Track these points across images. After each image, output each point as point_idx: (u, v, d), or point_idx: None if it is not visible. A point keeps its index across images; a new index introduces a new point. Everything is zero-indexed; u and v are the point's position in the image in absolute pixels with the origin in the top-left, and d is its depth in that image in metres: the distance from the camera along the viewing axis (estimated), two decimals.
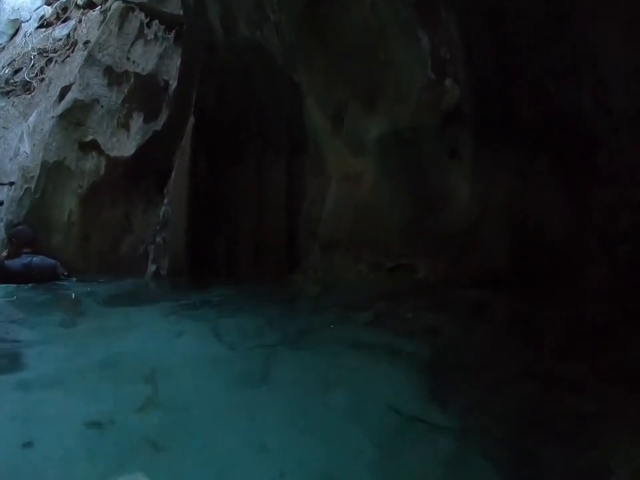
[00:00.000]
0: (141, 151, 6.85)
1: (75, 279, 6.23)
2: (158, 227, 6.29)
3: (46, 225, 6.81)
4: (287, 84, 5.77)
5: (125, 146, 6.90)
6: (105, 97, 7.14)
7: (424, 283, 4.82)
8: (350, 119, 5.32)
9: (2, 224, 7.34)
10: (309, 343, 3.02)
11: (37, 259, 5.74)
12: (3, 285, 5.39)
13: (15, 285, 5.44)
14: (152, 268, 6.19)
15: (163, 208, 6.27)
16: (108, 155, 6.88)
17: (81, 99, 7.07)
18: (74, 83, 7.36)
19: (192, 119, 6.37)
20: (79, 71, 7.34)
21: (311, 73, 5.56)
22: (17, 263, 5.65)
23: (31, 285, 5.53)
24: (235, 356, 2.93)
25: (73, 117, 7.00)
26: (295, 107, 5.81)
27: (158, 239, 6.23)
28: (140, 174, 6.85)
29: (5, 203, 7.37)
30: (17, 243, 5.79)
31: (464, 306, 3.88)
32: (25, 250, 5.76)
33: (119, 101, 7.11)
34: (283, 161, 6.14)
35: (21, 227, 6.30)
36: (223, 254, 6.20)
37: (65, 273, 5.93)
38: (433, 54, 4.69)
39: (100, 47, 7.32)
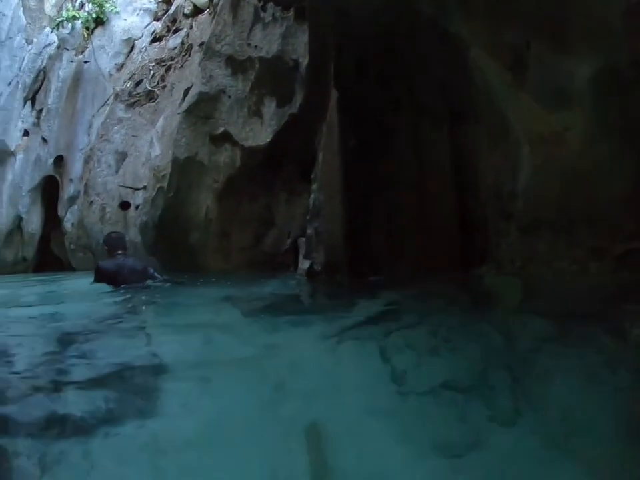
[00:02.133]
0: (278, 137, 5.57)
1: (177, 281, 5.42)
2: (308, 217, 4.97)
3: (182, 223, 5.74)
4: (438, 40, 4.30)
5: (259, 134, 5.66)
6: (231, 86, 5.95)
7: None
8: (537, 64, 3.74)
9: (137, 227, 6.61)
10: None
11: (128, 260, 5.38)
12: (102, 285, 5.16)
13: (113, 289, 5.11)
14: (305, 264, 4.86)
15: (312, 195, 4.93)
16: (242, 146, 5.67)
17: (205, 91, 5.95)
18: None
19: (334, 93, 5.00)
20: (199, 65, 6.24)
21: (472, 18, 4.03)
22: (110, 263, 5.33)
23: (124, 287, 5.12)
24: None
25: (200, 111, 5.87)
26: (451, 66, 4.33)
27: (309, 231, 4.90)
28: (279, 162, 5.57)
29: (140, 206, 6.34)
30: (110, 248, 5.44)
31: None
32: (118, 253, 5.32)
33: (247, 89, 5.90)
34: (444, 130, 4.67)
35: (113, 233, 6.01)
36: (382, 244, 4.76)
37: (157, 275, 5.38)
38: None
39: (217, 39, 6.18)
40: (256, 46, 6.05)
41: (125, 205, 7.91)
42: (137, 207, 7.49)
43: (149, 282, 5.22)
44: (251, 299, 4.30)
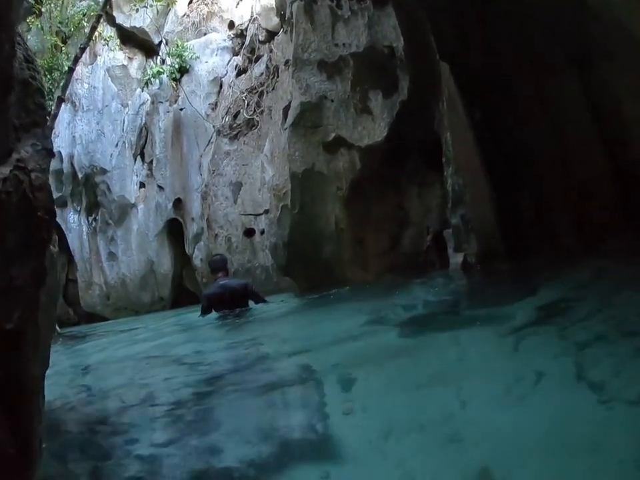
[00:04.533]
0: (394, 129, 4.87)
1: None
2: (450, 206, 4.19)
3: (313, 237, 5.18)
4: None
5: (373, 131, 4.98)
6: (331, 90, 5.33)
7: None
8: None
9: (267, 250, 6.19)
10: None
11: (228, 281, 5.18)
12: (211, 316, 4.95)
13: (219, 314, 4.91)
14: (456, 258, 4.09)
15: (449, 181, 4.17)
16: (359, 147, 5.02)
17: (306, 100, 5.37)
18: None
19: (445, 66, 4.20)
20: (292, 77, 5.66)
21: None
22: (213, 287, 5.20)
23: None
24: None
25: (307, 121, 5.31)
26: (562, 3, 3.40)
27: (454, 220, 4.13)
28: (401, 155, 4.82)
29: (265, 230, 5.89)
30: (212, 270, 5.36)
31: None
32: (220, 275, 5.17)
33: (347, 88, 5.25)
34: (572, 80, 3.71)
35: (216, 256, 5.90)
36: (534, 222, 3.88)
37: (258, 293, 5.15)
38: None
39: (302, 48, 5.59)
40: (343, 44, 5.38)
41: (249, 232, 7.61)
42: (261, 232, 7.17)
43: (252, 304, 4.97)
44: (407, 312, 3.50)
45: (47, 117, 1.26)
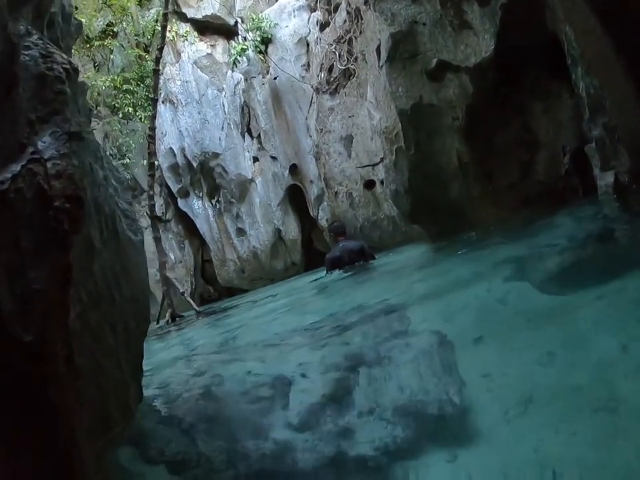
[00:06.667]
0: (502, 39, 4.26)
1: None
2: (587, 116, 3.60)
3: (435, 177, 4.77)
4: None
5: (479, 46, 4.43)
6: (419, 13, 4.80)
7: None
8: None
9: (390, 200, 6.02)
10: None
11: (347, 243, 5.66)
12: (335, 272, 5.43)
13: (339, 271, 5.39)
14: (606, 178, 3.50)
15: (581, 85, 3.61)
16: (467, 68, 4.48)
17: (396, 31, 4.85)
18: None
19: None
20: (374, 11, 5.20)
21: None
22: (333, 251, 5.73)
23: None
24: None
25: (403, 52, 4.87)
26: None
27: (596, 132, 3.52)
28: (517, 68, 4.25)
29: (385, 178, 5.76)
30: (333, 235, 5.95)
31: None
32: (340, 239, 5.75)
33: (437, 6, 4.67)
34: None
35: (335, 222, 6.51)
36: None
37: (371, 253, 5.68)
38: None
39: None
40: None
41: (369, 184, 7.46)
42: (381, 182, 6.94)
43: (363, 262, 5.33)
44: (553, 259, 2.81)
45: (68, 102, 1.26)
